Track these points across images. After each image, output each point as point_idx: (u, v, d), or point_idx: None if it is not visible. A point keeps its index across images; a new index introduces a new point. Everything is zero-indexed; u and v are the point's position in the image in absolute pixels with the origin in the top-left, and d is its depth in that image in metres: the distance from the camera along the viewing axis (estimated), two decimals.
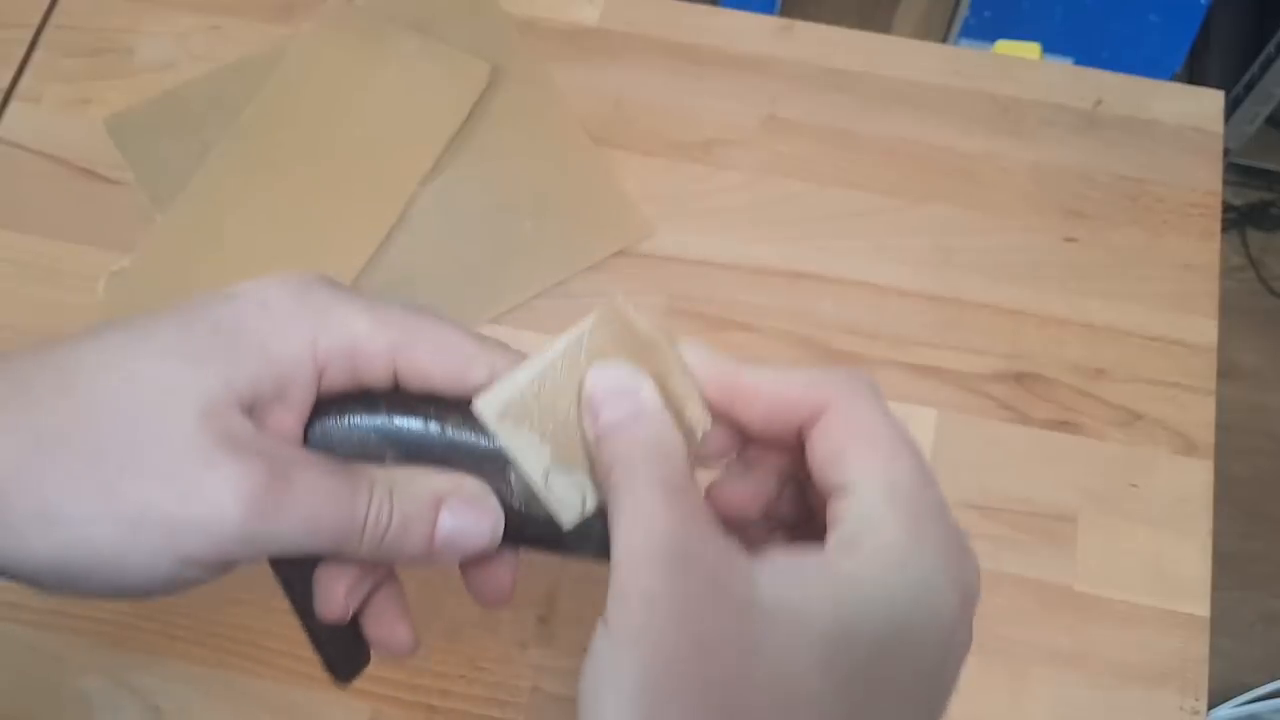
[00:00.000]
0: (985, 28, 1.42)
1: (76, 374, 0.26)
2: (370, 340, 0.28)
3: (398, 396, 0.30)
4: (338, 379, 0.29)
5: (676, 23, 0.67)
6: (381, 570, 0.32)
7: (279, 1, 0.67)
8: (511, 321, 0.58)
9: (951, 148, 0.63)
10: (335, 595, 0.30)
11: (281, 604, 0.52)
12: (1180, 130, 0.64)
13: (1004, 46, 0.74)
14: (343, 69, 0.64)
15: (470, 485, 0.29)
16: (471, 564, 0.32)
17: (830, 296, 0.60)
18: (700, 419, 0.28)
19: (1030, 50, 0.72)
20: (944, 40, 1.46)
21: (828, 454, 0.26)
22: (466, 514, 0.28)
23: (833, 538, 0.25)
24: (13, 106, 0.64)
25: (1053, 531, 0.55)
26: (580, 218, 0.61)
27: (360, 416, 0.30)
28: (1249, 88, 1.44)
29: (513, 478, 0.29)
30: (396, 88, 0.63)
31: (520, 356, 0.30)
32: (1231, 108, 1.46)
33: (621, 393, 0.27)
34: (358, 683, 0.51)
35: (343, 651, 0.33)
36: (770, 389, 0.27)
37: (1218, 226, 0.61)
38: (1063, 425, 0.57)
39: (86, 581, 0.26)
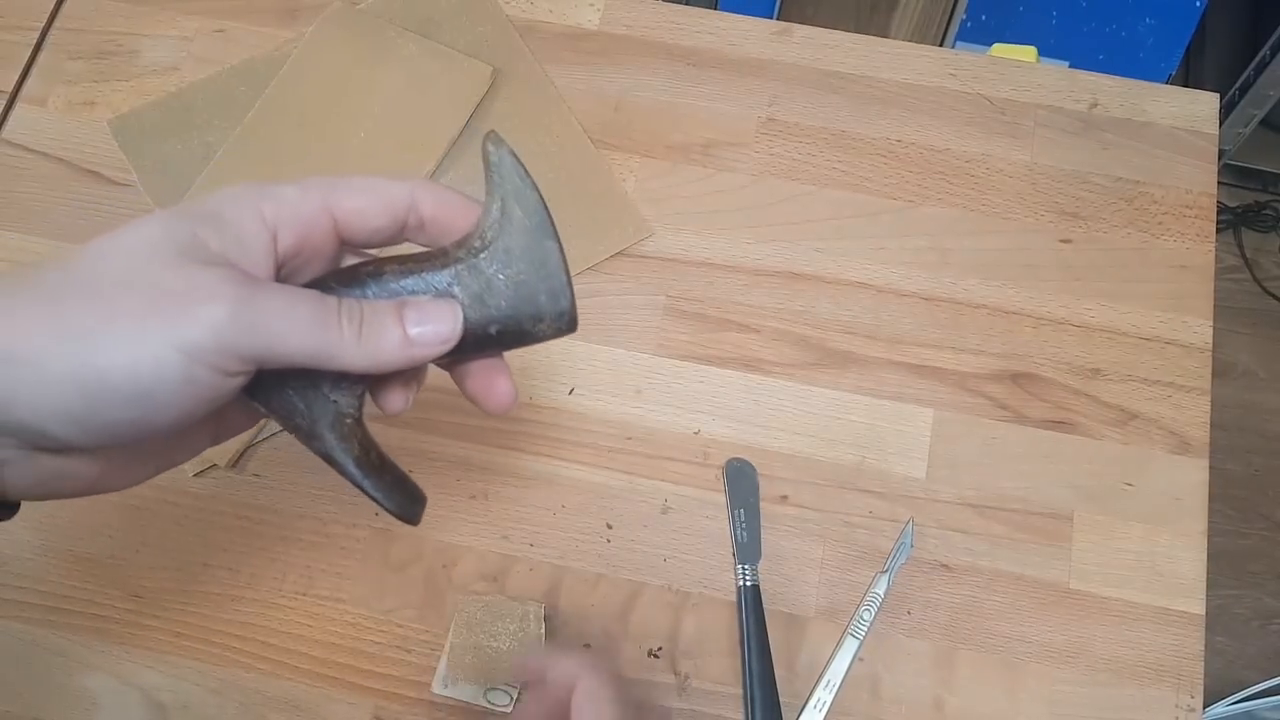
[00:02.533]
0: (981, 31, 1.42)
1: (71, 254, 0.31)
2: (303, 200, 0.33)
3: (342, 270, 0.34)
4: (290, 242, 0.33)
5: (676, 26, 0.67)
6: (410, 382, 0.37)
7: (282, 5, 0.67)
8: None
9: (948, 149, 0.64)
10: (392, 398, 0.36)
11: (286, 600, 0.53)
12: (1175, 132, 0.64)
13: (1000, 49, 0.74)
14: (346, 71, 0.64)
15: (421, 296, 0.34)
16: (468, 379, 0.37)
17: (828, 297, 0.60)
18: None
19: (1026, 53, 0.72)
20: (940, 43, 1.46)
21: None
22: (428, 308, 0.33)
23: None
24: (18, 108, 0.64)
25: (1049, 530, 0.55)
26: (581, 219, 0.61)
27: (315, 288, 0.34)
28: (1244, 90, 1.45)
29: (458, 292, 0.34)
30: (399, 90, 0.64)
31: (432, 182, 0.35)
32: (1226, 110, 1.47)
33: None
34: (360, 680, 0.52)
35: (406, 496, 0.36)
36: (553, 676, 0.42)
37: (1213, 228, 0.62)
38: (1058, 424, 0.57)
39: (105, 397, 0.28)
